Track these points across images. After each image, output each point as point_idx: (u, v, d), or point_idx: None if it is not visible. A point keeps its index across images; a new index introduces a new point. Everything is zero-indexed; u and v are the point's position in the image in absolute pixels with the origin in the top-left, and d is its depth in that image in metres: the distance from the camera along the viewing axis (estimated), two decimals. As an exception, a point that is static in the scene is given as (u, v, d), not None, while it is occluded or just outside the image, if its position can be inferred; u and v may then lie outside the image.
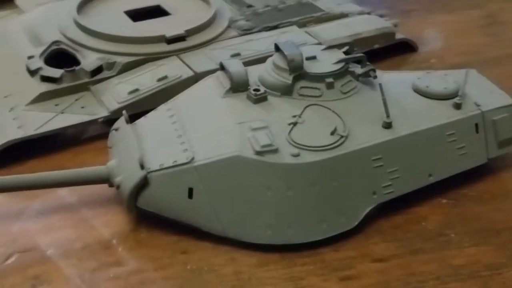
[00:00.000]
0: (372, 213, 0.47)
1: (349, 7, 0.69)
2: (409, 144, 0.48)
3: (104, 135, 0.54)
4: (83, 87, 0.57)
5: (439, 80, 0.52)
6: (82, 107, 0.55)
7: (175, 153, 0.46)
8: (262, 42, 0.61)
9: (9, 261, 0.44)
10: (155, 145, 0.47)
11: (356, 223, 0.46)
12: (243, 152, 0.45)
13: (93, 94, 0.56)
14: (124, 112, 0.49)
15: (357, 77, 0.50)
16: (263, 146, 0.45)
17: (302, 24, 0.65)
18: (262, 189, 0.44)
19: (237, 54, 0.58)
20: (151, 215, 0.46)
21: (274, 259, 0.44)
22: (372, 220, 0.47)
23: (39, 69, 0.57)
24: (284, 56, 0.49)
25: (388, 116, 0.48)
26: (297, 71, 0.49)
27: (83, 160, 0.53)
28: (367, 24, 0.65)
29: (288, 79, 0.49)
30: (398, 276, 0.43)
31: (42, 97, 0.56)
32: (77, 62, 0.58)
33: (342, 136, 0.46)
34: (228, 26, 0.63)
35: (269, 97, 0.49)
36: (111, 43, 0.59)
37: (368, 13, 0.68)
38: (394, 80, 0.53)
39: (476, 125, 0.50)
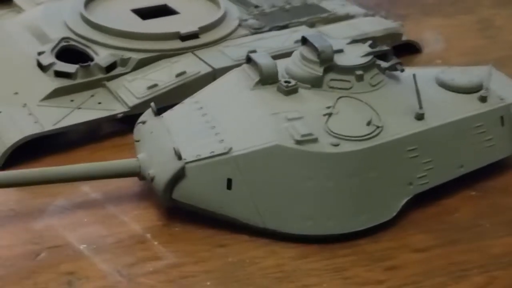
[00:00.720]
0: (407, 204, 0.47)
1: (353, 9, 0.69)
2: (441, 136, 0.48)
3: (120, 133, 0.54)
4: (98, 83, 0.55)
5: (462, 74, 0.52)
6: (99, 103, 0.54)
7: (211, 144, 0.45)
8: (273, 41, 0.61)
9: (40, 257, 0.42)
10: (187, 136, 0.45)
11: (395, 213, 0.46)
12: (283, 141, 0.44)
13: (108, 90, 0.55)
14: (152, 104, 0.48)
15: (383, 70, 0.50)
16: (303, 136, 0.44)
17: (310, 24, 0.65)
18: (302, 179, 0.44)
19: (253, 52, 0.58)
20: (183, 209, 0.45)
21: (314, 251, 0.44)
22: (406, 212, 0.46)
23: (52, 64, 0.55)
24: (313, 48, 0.49)
25: (421, 107, 0.48)
26: (327, 63, 0.48)
27: (102, 158, 0.50)
28: (374, 25, 0.66)
29: (318, 71, 0.48)
30: (440, 265, 0.43)
31: (56, 93, 0.54)
32: (86, 59, 0.56)
33: (378, 127, 0.46)
34: (239, 25, 0.63)
35: (299, 89, 0.48)
36: (124, 40, 0.58)
37: (372, 15, 0.69)
38: (416, 74, 0.53)
39: (502, 117, 0.51)
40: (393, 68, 0.51)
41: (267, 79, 0.49)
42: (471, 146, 0.49)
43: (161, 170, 0.44)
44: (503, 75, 0.56)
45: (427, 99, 0.49)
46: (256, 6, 0.67)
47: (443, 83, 0.52)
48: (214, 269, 0.42)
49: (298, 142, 0.44)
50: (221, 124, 0.46)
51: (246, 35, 0.62)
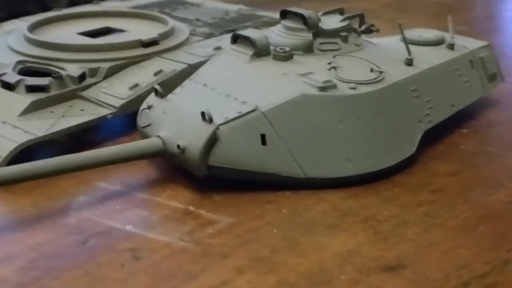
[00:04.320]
0: (420, 142, 0.48)
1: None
2: (431, 78, 0.51)
3: (107, 138, 0.51)
4: (73, 94, 0.52)
5: (424, 32, 0.57)
6: (82, 110, 0.51)
7: (235, 107, 0.44)
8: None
9: (89, 243, 0.38)
10: (206, 108, 0.44)
11: (415, 148, 0.47)
12: (307, 91, 0.45)
13: (85, 99, 0.52)
14: (157, 86, 0.47)
15: (360, 33, 0.53)
16: (325, 82, 0.45)
17: (255, 27, 0.66)
18: (333, 123, 0.44)
19: (219, 48, 0.58)
20: (216, 179, 0.43)
21: (359, 191, 0.44)
22: (420, 150, 0.48)
23: (20, 80, 0.51)
24: (297, 17, 0.50)
25: (409, 53, 0.50)
26: (315, 28, 0.50)
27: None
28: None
29: (308, 36, 0.50)
30: (476, 181, 0.45)
31: (33, 106, 0.50)
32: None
33: (381, 72, 0.48)
34: (190, 34, 0.63)
35: (293, 56, 0.49)
36: (88, 53, 0.55)
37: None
38: (384, 41, 0.56)
39: (471, 61, 0.55)
40: (368, 30, 0.54)
41: (262, 51, 0.49)
42: (456, 87, 0.53)
43: (192, 138, 0.43)
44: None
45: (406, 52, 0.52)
46: (198, 19, 0.68)
47: (412, 41, 0.55)
48: (274, 220, 0.41)
49: (322, 89, 0.45)
50: (235, 91, 0.46)
51: (202, 40, 0.62)
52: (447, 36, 0.56)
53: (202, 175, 0.43)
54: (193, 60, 0.56)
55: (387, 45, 0.54)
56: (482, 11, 0.97)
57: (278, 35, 0.51)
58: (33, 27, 0.61)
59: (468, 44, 0.57)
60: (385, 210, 0.42)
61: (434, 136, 0.50)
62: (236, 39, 0.51)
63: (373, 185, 0.44)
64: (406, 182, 0.45)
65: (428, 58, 0.52)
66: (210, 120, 0.42)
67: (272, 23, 0.69)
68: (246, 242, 0.38)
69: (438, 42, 0.55)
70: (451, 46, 0.55)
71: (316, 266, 0.36)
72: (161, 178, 0.45)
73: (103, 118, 0.50)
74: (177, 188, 0.44)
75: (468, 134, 0.52)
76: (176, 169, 0.46)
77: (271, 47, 0.50)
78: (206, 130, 0.42)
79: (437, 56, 0.53)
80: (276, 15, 0.70)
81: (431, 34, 0.56)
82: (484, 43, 0.58)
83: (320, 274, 0.35)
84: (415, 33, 0.56)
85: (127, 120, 0.54)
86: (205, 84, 0.48)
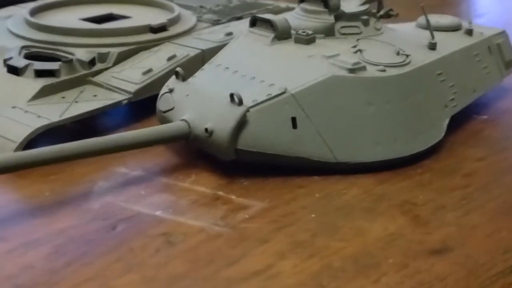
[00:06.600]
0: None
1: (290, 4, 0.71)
2: (454, 62, 0.50)
3: (120, 125, 0.50)
4: (83, 80, 0.50)
5: (441, 18, 0.56)
6: (95, 95, 0.49)
7: (262, 89, 0.42)
8: (241, 27, 0.60)
9: (118, 229, 0.36)
10: (231, 90, 0.42)
11: (443, 133, 0.46)
12: (336, 72, 0.43)
13: (97, 85, 0.50)
14: (179, 69, 0.45)
15: (379, 17, 0.52)
16: (354, 64, 0.44)
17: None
18: (363, 105, 0.43)
19: (231, 33, 0.57)
20: (243, 164, 0.42)
21: (390, 176, 0.43)
22: (445, 136, 0.47)
23: (29, 65, 0.49)
24: (317, 1, 0.49)
25: (433, 37, 0.50)
26: (337, 11, 0.49)
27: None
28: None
29: (329, 19, 0.49)
30: (506, 166, 0.44)
31: (44, 91, 0.48)
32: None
33: (407, 55, 0.47)
34: (198, 20, 0.61)
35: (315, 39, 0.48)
36: (98, 38, 0.53)
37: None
38: (399, 27, 0.55)
39: (489, 47, 0.54)
40: (387, 14, 0.53)
41: (283, 33, 0.48)
42: (477, 72, 0.52)
43: (221, 120, 0.41)
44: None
45: (426, 36, 0.51)
46: (202, 6, 0.66)
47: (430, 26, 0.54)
48: (309, 205, 0.39)
49: (351, 71, 0.43)
50: (259, 74, 0.44)
51: (210, 27, 0.60)
52: (464, 22, 0.56)
53: (229, 159, 0.42)
54: (205, 46, 0.55)
55: (404, 30, 0.54)
56: (475, 4, 0.97)
57: (297, 18, 0.50)
58: (33, 12, 0.59)
59: (484, 30, 0.56)
60: (421, 195, 0.40)
61: (455, 122, 0.49)
62: (254, 22, 0.50)
63: (403, 170, 0.43)
64: (436, 167, 0.44)
65: (449, 43, 0.51)
66: (240, 102, 0.41)
67: (276, 11, 0.68)
68: (283, 226, 0.37)
69: (455, 28, 0.54)
70: (469, 32, 0.54)
71: (360, 250, 0.35)
72: (183, 163, 0.44)
73: (118, 103, 0.48)
74: (202, 173, 0.42)
75: (489, 121, 0.51)
76: (198, 153, 0.44)
77: (292, 31, 0.49)
78: (235, 112, 0.41)
79: (457, 42, 0.52)
80: (279, 4, 0.70)
81: (447, 19, 0.55)
82: (499, 30, 0.57)
83: (366, 257, 0.34)
84: (431, 19, 0.55)
85: (134, 107, 0.52)
86: (227, 67, 0.46)
